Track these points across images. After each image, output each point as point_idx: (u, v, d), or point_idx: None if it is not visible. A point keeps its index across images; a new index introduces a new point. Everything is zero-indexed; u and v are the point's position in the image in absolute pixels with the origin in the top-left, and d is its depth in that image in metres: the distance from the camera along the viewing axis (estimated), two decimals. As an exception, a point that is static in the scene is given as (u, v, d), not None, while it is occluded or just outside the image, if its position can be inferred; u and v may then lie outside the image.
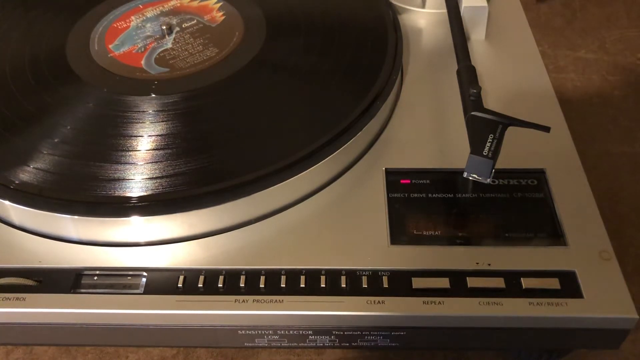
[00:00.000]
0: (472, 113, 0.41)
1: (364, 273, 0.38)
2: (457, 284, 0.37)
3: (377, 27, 0.53)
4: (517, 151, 0.44)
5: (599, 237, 0.40)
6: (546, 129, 0.41)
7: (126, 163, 0.42)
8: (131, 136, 0.44)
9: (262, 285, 0.38)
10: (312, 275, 0.38)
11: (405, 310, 0.36)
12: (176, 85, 0.48)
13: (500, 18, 0.58)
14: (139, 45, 0.52)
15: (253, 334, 0.38)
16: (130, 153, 0.43)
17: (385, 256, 0.39)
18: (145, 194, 0.40)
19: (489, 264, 0.38)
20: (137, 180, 0.41)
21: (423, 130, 0.47)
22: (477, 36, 0.56)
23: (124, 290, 0.38)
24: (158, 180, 0.41)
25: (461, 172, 0.40)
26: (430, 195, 0.42)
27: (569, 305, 0.36)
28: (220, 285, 0.38)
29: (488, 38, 0.56)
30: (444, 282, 0.37)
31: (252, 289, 0.38)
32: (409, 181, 0.43)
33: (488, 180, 0.39)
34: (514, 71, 0.52)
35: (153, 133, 0.44)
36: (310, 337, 0.38)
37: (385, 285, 0.37)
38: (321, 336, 0.38)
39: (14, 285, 0.38)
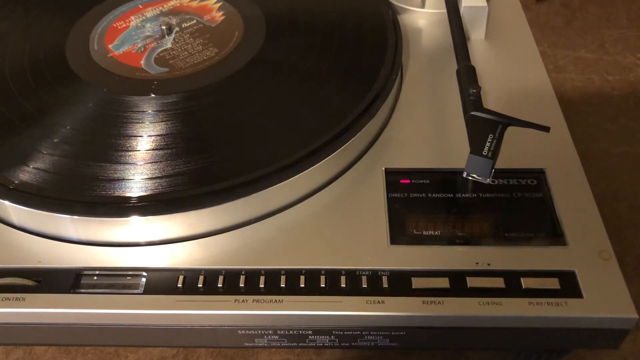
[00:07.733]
0: (472, 113, 0.41)
1: (363, 273, 0.38)
2: (457, 284, 0.37)
3: (376, 27, 0.53)
4: (517, 151, 0.44)
5: (599, 237, 0.40)
6: (546, 129, 0.41)
7: (126, 163, 0.42)
8: (131, 136, 0.44)
9: (261, 285, 0.38)
10: (312, 275, 0.38)
11: (405, 310, 0.36)
12: (176, 85, 0.48)
13: (500, 18, 0.58)
14: (139, 45, 0.52)
15: (253, 334, 0.38)
16: (130, 153, 0.43)
17: (385, 256, 0.39)
18: (144, 194, 0.40)
19: (489, 264, 0.38)
20: (137, 180, 0.41)
21: (423, 130, 0.47)
22: (477, 36, 0.56)
23: (124, 290, 0.38)
24: (158, 181, 0.41)
25: (461, 172, 0.40)
26: (430, 195, 0.42)
27: (569, 305, 0.36)
28: (220, 285, 0.38)
29: (488, 38, 0.56)
30: (443, 282, 0.37)
31: (251, 289, 0.38)
32: (408, 181, 0.43)
33: (488, 180, 0.39)
34: (514, 71, 0.52)
35: (153, 133, 0.44)
36: (310, 337, 0.38)
37: (385, 285, 0.37)
38: (321, 336, 0.38)
39: (13, 285, 0.38)
